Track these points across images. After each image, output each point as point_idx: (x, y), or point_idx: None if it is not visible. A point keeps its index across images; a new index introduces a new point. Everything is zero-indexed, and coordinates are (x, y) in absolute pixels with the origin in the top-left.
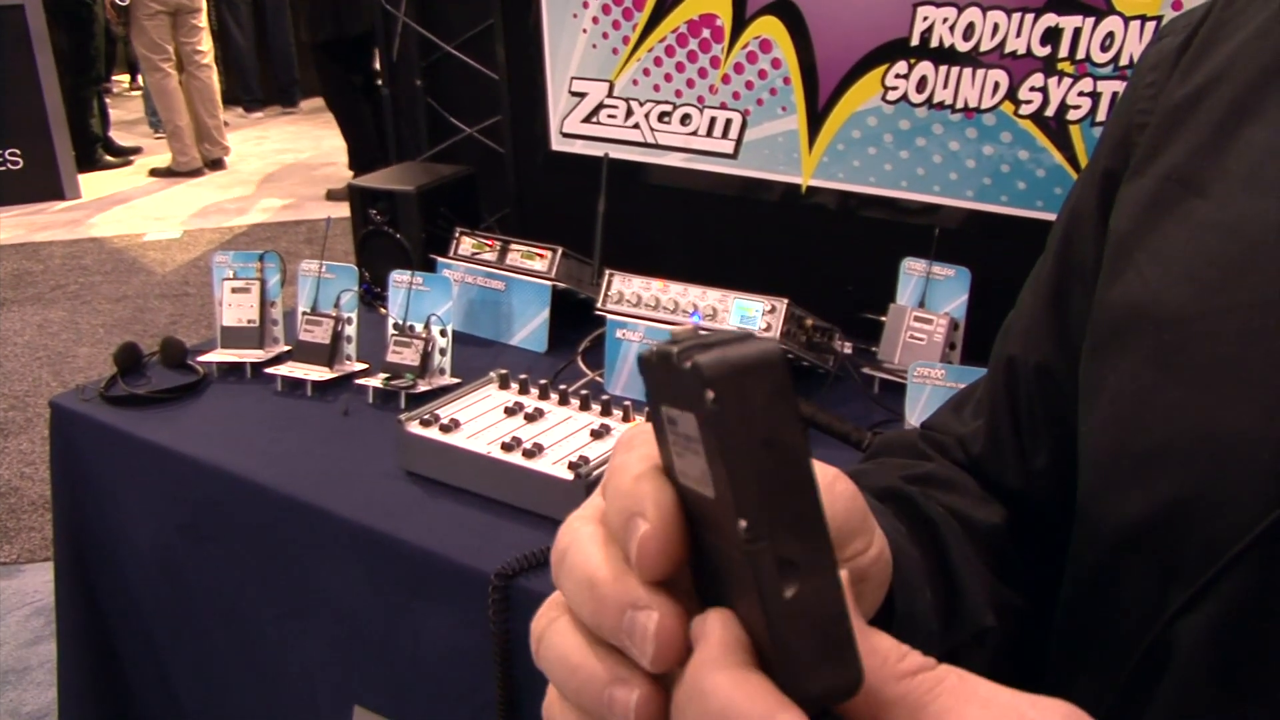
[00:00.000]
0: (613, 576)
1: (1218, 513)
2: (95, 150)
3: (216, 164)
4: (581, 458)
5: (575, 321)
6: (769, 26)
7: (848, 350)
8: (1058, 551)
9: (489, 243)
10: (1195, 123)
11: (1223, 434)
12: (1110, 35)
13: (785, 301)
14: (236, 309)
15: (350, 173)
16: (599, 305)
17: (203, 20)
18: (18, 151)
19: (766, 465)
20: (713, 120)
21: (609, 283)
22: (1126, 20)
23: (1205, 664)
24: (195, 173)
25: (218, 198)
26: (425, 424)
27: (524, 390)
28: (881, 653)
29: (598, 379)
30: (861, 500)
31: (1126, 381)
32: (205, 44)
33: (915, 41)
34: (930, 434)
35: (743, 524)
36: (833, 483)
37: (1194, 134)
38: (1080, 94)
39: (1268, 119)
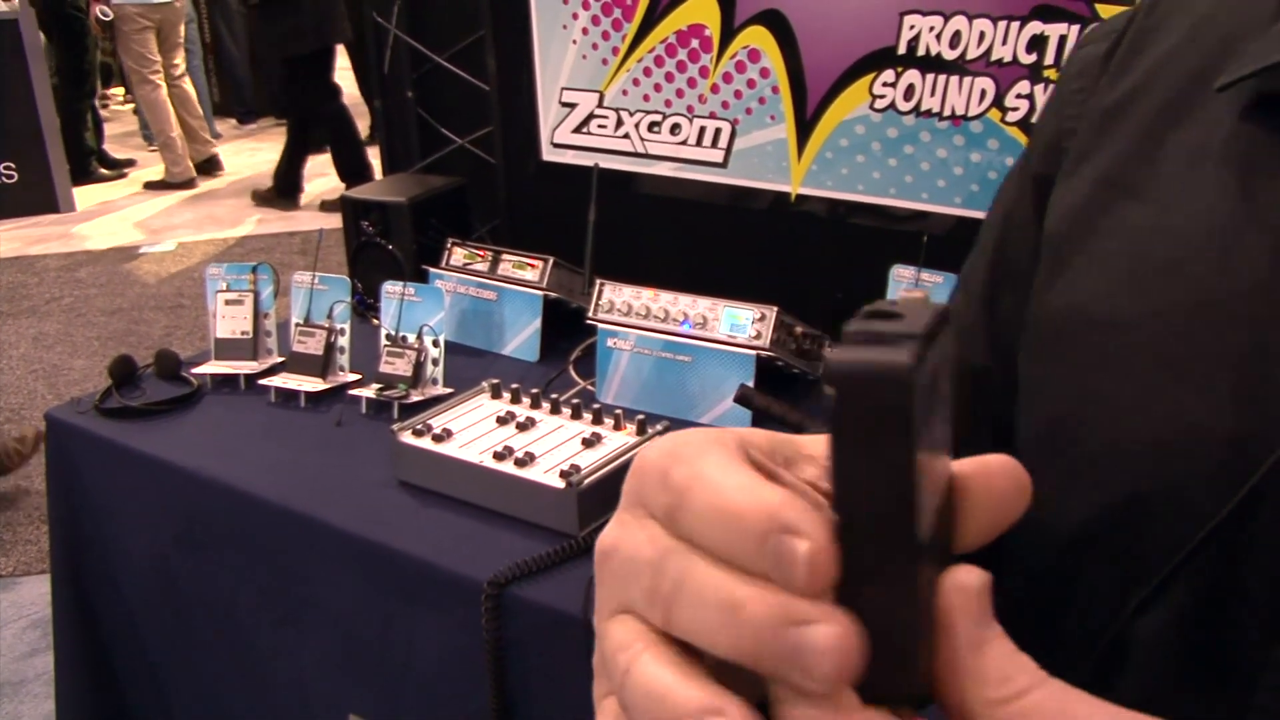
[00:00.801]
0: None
1: (1172, 509)
2: (89, 163)
3: (209, 164)
4: (573, 466)
5: (567, 331)
6: (757, 36)
7: None
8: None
9: (480, 253)
10: (1125, 127)
11: (1173, 432)
12: None
13: (775, 309)
14: (230, 321)
15: (342, 184)
16: (590, 315)
17: (182, 35)
18: (12, 165)
19: (863, 476)
20: (702, 130)
21: (600, 292)
22: None
23: (1164, 660)
24: (189, 183)
25: (212, 209)
26: (418, 434)
27: (516, 400)
28: (978, 675)
29: (589, 388)
30: None
31: (1070, 383)
32: (180, 58)
33: (902, 50)
34: None
35: (835, 519)
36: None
37: (1124, 138)
38: None
39: (1195, 123)
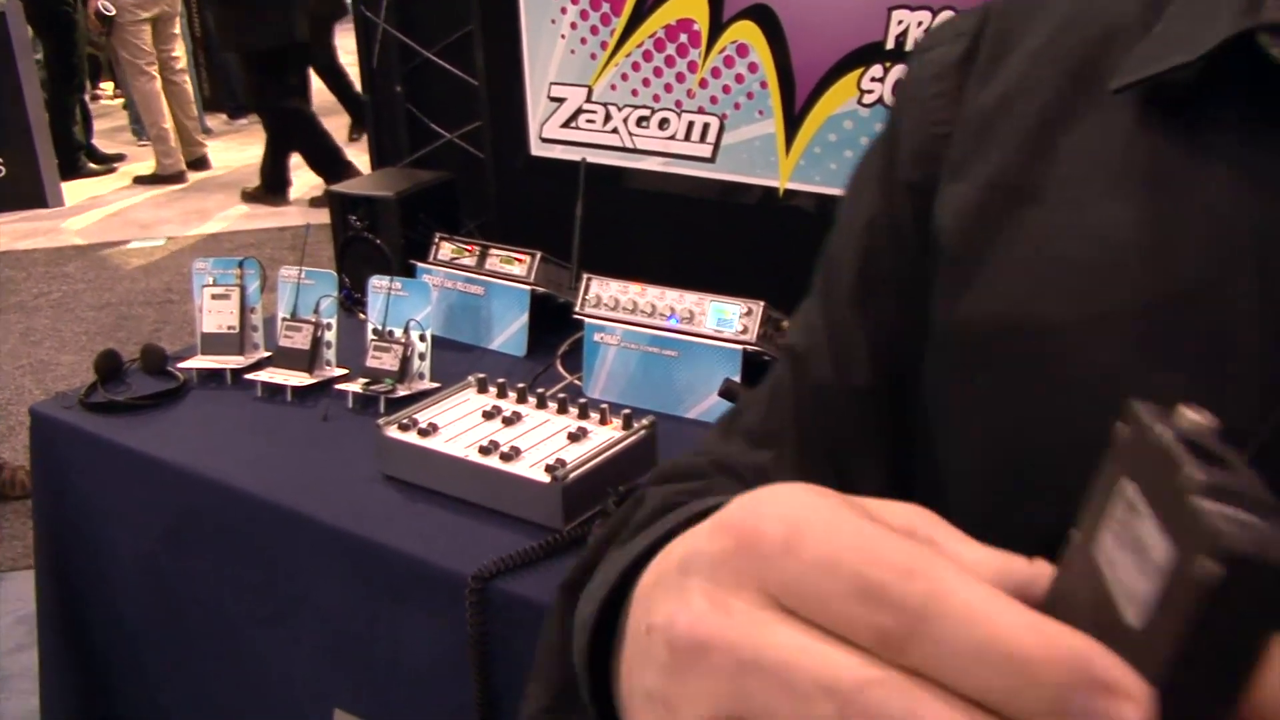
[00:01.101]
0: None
1: None
2: (78, 158)
3: (199, 163)
4: (559, 461)
5: (554, 325)
6: (745, 31)
7: None
8: None
9: (468, 248)
10: (1008, 130)
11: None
12: None
13: (762, 304)
14: (216, 315)
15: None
16: (577, 309)
17: (178, 26)
18: (0, 159)
19: (1217, 648)
20: (690, 124)
21: (586, 286)
22: None
23: None
24: (179, 176)
25: (202, 204)
26: (403, 428)
27: (502, 394)
28: None
29: (576, 382)
30: None
31: (1007, 396)
32: (179, 49)
33: (890, 45)
34: (721, 463)
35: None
36: None
37: (1009, 142)
38: None
39: (1088, 125)
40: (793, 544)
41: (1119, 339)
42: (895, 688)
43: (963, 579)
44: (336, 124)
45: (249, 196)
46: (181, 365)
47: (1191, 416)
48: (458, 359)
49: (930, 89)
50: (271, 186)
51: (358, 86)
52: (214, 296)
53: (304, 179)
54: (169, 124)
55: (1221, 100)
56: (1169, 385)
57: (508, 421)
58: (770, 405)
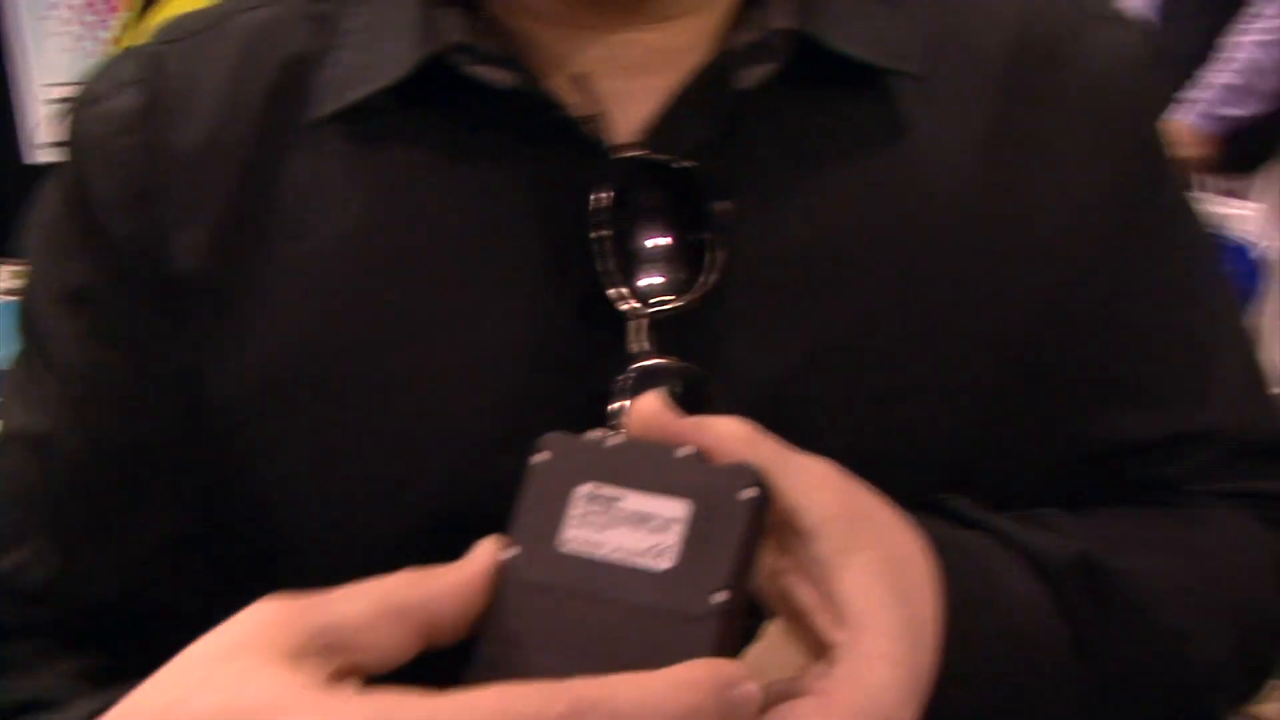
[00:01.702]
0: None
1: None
2: None
3: None
4: None
5: None
6: None
7: None
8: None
9: None
10: (221, 171)
11: (457, 445)
12: None
13: None
14: None
15: None
16: None
17: None
18: None
19: (752, 554)
20: None
21: None
22: None
23: None
24: None
25: None
26: None
27: None
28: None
29: None
30: None
31: (312, 426)
32: None
33: None
34: None
35: (723, 596)
36: None
37: (227, 182)
38: None
39: (300, 155)
40: None
41: (389, 358)
42: None
43: (590, 685)
44: None
45: None
46: None
47: (601, 432)
48: None
49: (116, 143)
50: None
51: None
52: None
53: None
54: None
55: (426, 116)
56: (478, 393)
57: None
58: (11, 500)
